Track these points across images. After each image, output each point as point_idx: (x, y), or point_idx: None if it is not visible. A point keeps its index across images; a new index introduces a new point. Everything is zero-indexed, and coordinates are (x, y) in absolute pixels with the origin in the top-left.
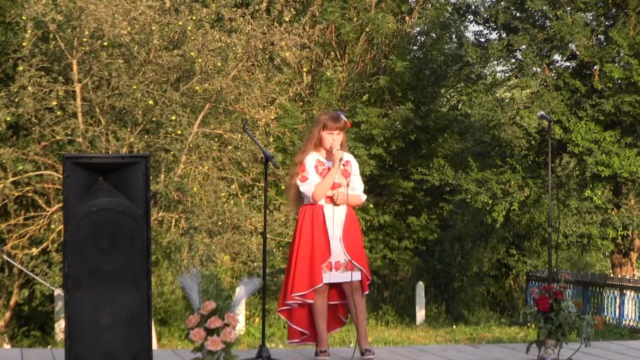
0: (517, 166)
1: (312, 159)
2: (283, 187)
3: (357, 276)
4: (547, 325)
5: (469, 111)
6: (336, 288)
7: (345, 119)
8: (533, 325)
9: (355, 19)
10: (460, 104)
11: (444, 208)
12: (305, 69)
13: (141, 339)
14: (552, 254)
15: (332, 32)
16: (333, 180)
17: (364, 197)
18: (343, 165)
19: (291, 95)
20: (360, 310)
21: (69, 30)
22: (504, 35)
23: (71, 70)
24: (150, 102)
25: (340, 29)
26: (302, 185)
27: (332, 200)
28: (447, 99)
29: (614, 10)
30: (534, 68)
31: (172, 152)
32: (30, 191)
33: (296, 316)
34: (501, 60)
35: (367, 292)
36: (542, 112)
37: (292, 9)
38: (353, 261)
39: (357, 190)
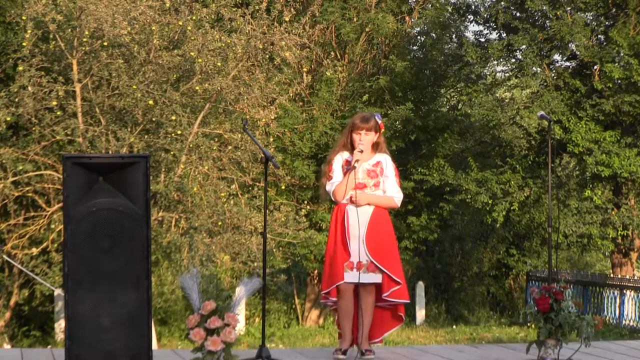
0: (517, 166)
1: (340, 158)
2: (283, 187)
3: (376, 279)
4: (547, 325)
5: (469, 111)
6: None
7: (379, 120)
8: (533, 325)
9: (355, 19)
10: (460, 104)
11: (444, 208)
12: (305, 69)
13: (141, 339)
14: (552, 254)
15: (332, 32)
16: (348, 181)
17: (398, 198)
18: (372, 166)
19: (291, 95)
20: (367, 312)
21: (69, 30)
22: (504, 35)
23: (71, 70)
24: (150, 102)
25: (340, 29)
26: (327, 184)
27: (352, 200)
28: (447, 99)
29: (614, 10)
30: (534, 68)
31: (172, 152)
32: (30, 191)
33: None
34: (501, 60)
35: (406, 301)
36: (542, 112)
37: (292, 9)
38: (376, 262)
39: (388, 191)
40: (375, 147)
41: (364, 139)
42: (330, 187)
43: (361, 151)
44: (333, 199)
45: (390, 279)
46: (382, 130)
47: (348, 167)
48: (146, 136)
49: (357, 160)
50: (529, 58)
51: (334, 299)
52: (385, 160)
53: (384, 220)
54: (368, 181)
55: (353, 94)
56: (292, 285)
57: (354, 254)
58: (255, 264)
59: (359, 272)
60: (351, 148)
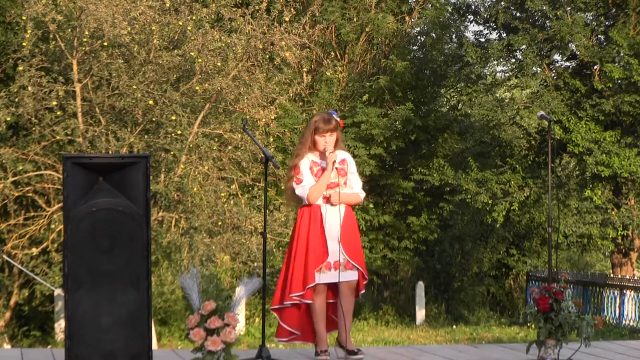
0: (517, 166)
1: (307, 160)
2: (283, 187)
3: (354, 276)
4: (547, 325)
5: (469, 111)
6: (332, 289)
7: (337, 119)
8: (533, 325)
9: (355, 19)
10: (460, 104)
11: (444, 208)
12: (305, 69)
13: (141, 339)
14: (552, 254)
15: (332, 32)
16: (327, 182)
17: (363, 194)
18: (339, 164)
19: (291, 95)
20: (350, 311)
21: (69, 30)
22: (504, 35)
23: (71, 70)
24: (150, 102)
25: (340, 29)
26: (297, 187)
27: (328, 200)
28: (447, 99)
29: (614, 10)
30: (534, 68)
31: (172, 152)
32: (30, 191)
33: (287, 315)
34: (501, 60)
35: (363, 292)
36: (542, 112)
37: (292, 9)
38: (351, 261)
39: (355, 188)
40: (335, 144)
41: (330, 140)
42: (302, 190)
43: (332, 152)
44: (306, 202)
45: (362, 276)
46: (342, 127)
47: (318, 169)
48: (146, 136)
49: (334, 161)
50: (529, 58)
51: (309, 300)
52: (348, 157)
53: (353, 219)
54: (339, 179)
55: (353, 94)
56: None
57: (332, 254)
58: (255, 264)
59: (337, 271)
60: (314, 150)
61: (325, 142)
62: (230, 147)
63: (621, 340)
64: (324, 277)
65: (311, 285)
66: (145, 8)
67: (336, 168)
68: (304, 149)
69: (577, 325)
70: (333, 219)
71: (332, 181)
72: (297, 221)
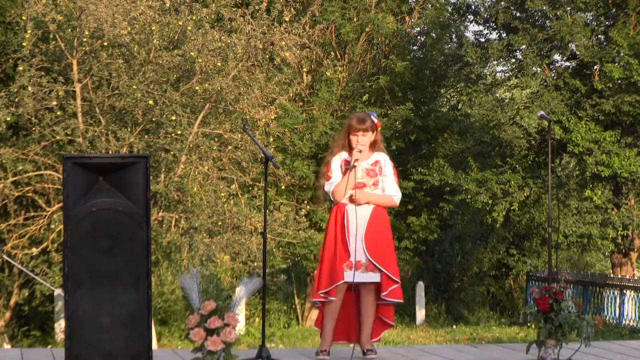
0: (517, 166)
1: (338, 158)
2: (283, 187)
3: (375, 278)
4: (547, 325)
5: (469, 111)
6: (356, 289)
7: (374, 120)
8: (533, 325)
9: (355, 19)
10: (460, 104)
11: (444, 208)
12: (305, 69)
13: (141, 339)
14: (552, 254)
15: (332, 32)
16: (348, 180)
17: (398, 197)
18: (371, 165)
19: (291, 95)
20: (369, 312)
21: (69, 30)
22: (504, 35)
23: (71, 70)
24: (150, 102)
25: (340, 29)
26: (325, 184)
27: (352, 199)
28: (447, 99)
29: (614, 10)
30: (534, 68)
31: (172, 152)
32: (30, 191)
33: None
34: (501, 60)
35: (401, 301)
36: (542, 112)
37: (292, 9)
38: (374, 262)
39: (387, 190)
40: (373, 145)
41: (362, 140)
42: (329, 187)
43: (360, 151)
44: (332, 199)
45: (389, 279)
46: (379, 128)
47: (347, 167)
48: (146, 136)
49: (356, 160)
50: (529, 58)
51: (334, 298)
52: (384, 159)
53: (382, 220)
54: (367, 180)
55: (353, 94)
56: (292, 285)
57: (354, 253)
58: (255, 264)
59: (357, 271)
60: (349, 149)
61: (357, 141)
62: (230, 147)
63: (621, 340)
64: (346, 275)
65: (339, 282)
66: (145, 8)
67: (366, 168)
68: (338, 147)
69: (577, 325)
70: (359, 218)
71: (359, 181)
72: (329, 219)
